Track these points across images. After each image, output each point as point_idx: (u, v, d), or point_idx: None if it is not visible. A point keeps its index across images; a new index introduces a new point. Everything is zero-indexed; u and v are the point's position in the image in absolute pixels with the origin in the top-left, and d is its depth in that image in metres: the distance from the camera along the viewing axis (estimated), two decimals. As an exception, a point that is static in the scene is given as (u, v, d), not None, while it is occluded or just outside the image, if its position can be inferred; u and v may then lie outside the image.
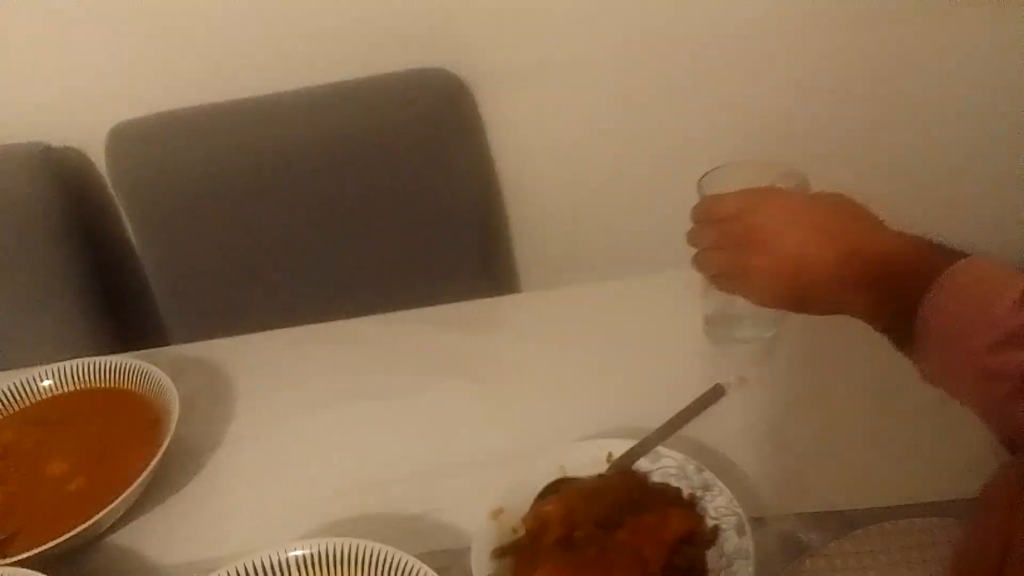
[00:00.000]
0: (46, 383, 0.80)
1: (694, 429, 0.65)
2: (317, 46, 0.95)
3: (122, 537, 0.71)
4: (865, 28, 1.03)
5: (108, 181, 0.97)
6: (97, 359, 0.79)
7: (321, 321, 0.89)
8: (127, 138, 0.95)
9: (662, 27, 1.01)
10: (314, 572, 0.58)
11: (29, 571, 0.60)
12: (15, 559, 0.61)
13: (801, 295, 0.54)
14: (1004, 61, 1.05)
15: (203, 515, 0.72)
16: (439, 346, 0.85)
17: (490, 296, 0.94)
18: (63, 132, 0.98)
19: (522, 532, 0.59)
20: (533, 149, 1.07)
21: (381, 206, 0.96)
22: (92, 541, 0.69)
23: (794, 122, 1.06)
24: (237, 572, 0.58)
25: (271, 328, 0.90)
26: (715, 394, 0.65)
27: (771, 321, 0.79)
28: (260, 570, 0.58)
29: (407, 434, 0.75)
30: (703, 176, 0.72)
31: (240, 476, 0.76)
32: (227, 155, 0.95)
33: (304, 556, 0.59)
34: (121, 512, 0.70)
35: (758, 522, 0.59)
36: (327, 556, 0.58)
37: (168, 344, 0.94)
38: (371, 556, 0.57)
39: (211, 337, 0.91)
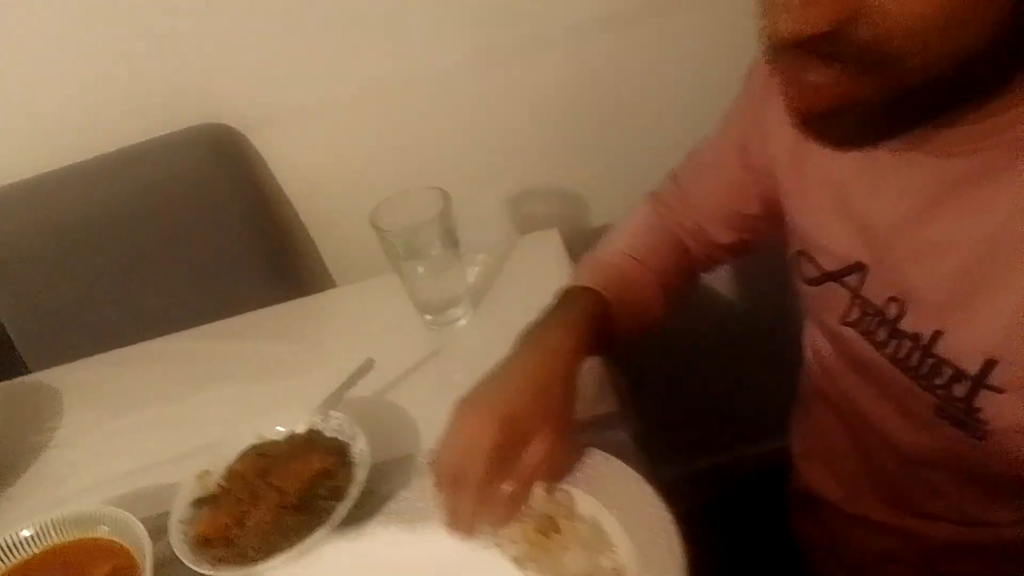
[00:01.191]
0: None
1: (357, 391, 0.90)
2: (99, 117, 1.16)
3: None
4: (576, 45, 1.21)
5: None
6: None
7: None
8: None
9: (395, 69, 1.21)
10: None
11: None
12: None
13: None
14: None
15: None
16: (205, 353, 1.10)
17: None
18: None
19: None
20: (318, 177, 1.28)
21: (178, 246, 1.19)
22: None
23: (531, 140, 1.27)
24: None
25: (101, 351, 1.16)
26: (367, 366, 0.88)
27: (467, 306, 1.04)
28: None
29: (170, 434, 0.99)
30: (373, 210, 0.95)
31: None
32: (43, 220, 1.19)
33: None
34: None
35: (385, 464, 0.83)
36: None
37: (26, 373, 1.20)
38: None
39: (57, 364, 1.17)
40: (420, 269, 0.98)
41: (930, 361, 0.58)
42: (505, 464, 0.72)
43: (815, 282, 0.71)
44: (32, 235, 1.18)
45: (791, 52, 0.47)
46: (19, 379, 1.18)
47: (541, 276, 1.08)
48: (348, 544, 0.77)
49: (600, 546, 0.72)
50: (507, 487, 0.72)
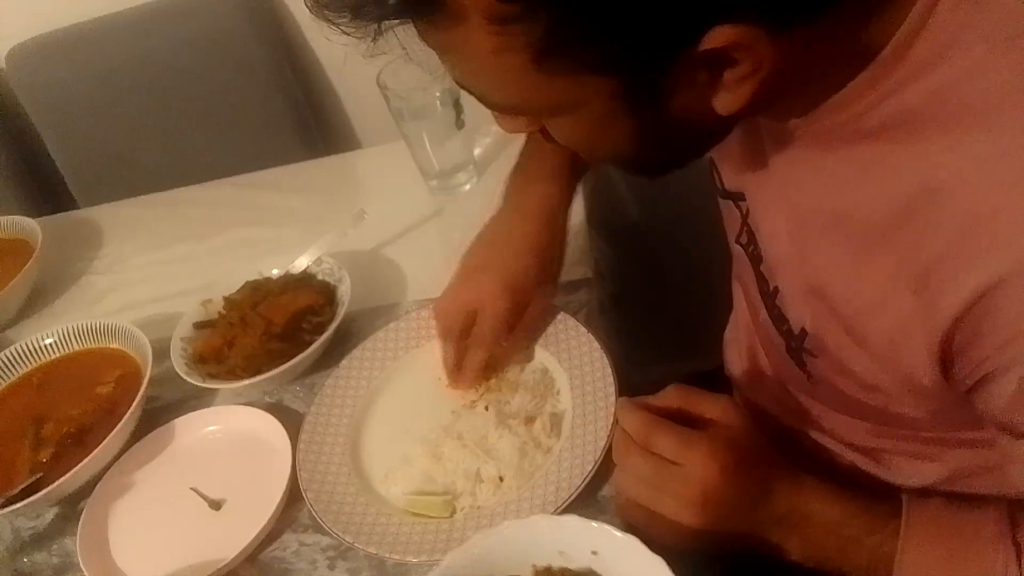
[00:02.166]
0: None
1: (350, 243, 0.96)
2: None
3: (17, 333, 1.08)
4: None
5: (14, 89, 1.31)
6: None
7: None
8: (26, 54, 1.27)
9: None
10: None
11: None
12: None
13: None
14: None
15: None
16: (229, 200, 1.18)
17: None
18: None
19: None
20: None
21: (215, 99, 1.26)
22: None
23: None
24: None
25: (141, 193, 1.25)
26: (358, 216, 0.94)
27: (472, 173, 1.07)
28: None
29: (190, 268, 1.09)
30: (382, 70, 0.98)
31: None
32: (104, 63, 1.26)
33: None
34: (12, 312, 1.07)
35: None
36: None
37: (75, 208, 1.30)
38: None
39: (105, 202, 1.27)
40: (424, 132, 1.01)
41: (776, 310, 0.62)
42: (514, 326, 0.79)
43: (721, 194, 0.71)
44: (83, 80, 1.27)
45: None
46: (67, 213, 1.29)
47: None
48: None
49: (545, 392, 0.78)
50: (507, 346, 0.79)
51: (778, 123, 0.55)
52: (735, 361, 0.84)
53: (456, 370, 0.79)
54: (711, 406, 0.59)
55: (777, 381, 0.72)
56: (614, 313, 0.93)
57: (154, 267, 1.12)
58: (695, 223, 1.01)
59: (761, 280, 0.64)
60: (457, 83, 0.51)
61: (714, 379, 0.94)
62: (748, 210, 0.64)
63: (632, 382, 0.77)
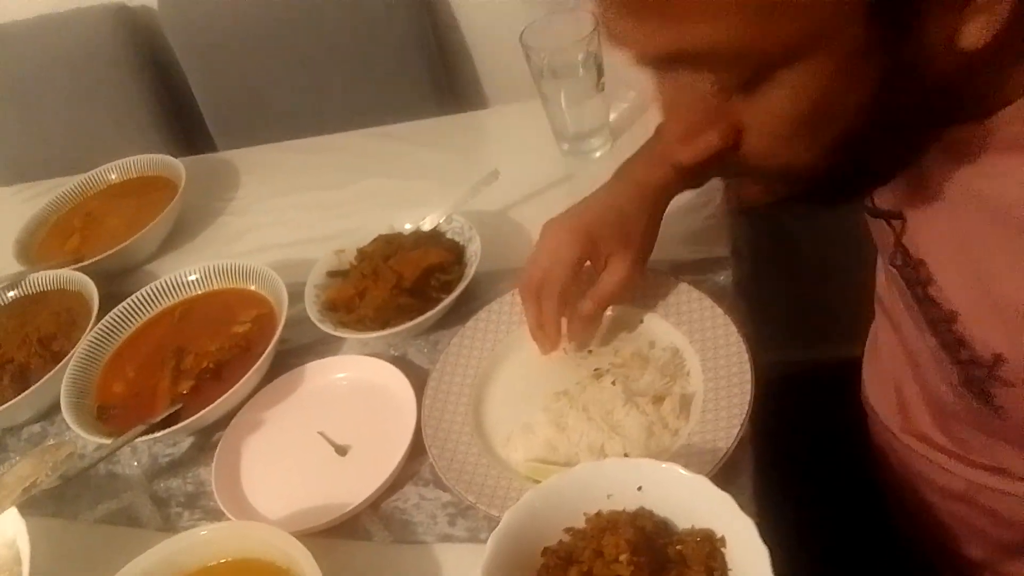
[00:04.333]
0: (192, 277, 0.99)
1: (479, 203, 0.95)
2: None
3: (159, 266, 1.13)
4: None
5: (164, 30, 1.35)
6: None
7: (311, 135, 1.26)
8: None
9: None
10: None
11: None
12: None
13: None
14: None
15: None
16: (365, 151, 1.19)
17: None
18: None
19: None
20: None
21: (356, 52, 1.28)
22: (137, 266, 1.12)
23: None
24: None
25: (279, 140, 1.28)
26: (492, 177, 0.93)
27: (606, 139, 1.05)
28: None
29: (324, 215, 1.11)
30: (527, 27, 0.96)
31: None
32: (251, 8, 1.30)
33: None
34: (155, 246, 1.12)
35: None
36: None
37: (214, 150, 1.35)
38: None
39: (241, 146, 1.31)
40: (562, 93, 0.99)
41: (952, 336, 0.55)
42: (584, 278, 0.77)
43: (871, 212, 0.65)
44: (229, 24, 1.30)
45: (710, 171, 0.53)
46: (208, 155, 1.34)
47: None
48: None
49: (676, 372, 0.76)
50: (584, 305, 0.77)
51: (957, 129, 0.49)
52: (880, 394, 0.80)
53: (538, 328, 0.78)
54: None
55: (941, 416, 0.67)
56: (751, 293, 0.89)
57: (289, 211, 1.15)
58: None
59: (929, 304, 0.58)
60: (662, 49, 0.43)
61: (850, 368, 0.90)
62: (904, 229, 0.59)
63: (766, 364, 0.75)
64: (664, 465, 0.61)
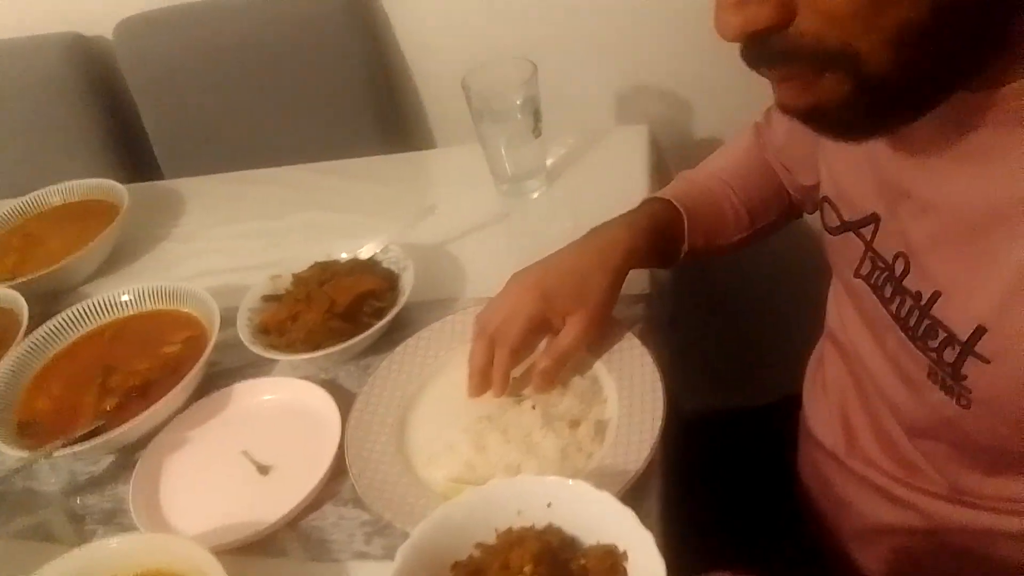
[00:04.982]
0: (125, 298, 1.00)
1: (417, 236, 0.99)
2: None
3: (95, 288, 1.13)
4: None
5: (118, 60, 1.38)
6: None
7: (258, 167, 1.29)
8: (132, 28, 1.34)
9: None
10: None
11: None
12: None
13: None
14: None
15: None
16: (307, 184, 1.23)
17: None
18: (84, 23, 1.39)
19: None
20: (433, 40, 1.34)
21: (306, 87, 1.31)
22: (73, 287, 1.12)
23: (642, 31, 1.27)
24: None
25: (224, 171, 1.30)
26: (428, 210, 0.96)
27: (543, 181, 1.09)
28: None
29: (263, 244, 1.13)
30: (468, 72, 1.01)
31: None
32: (203, 42, 1.33)
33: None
34: (93, 268, 1.13)
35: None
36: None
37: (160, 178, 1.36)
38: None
39: (187, 175, 1.33)
40: (500, 136, 1.04)
41: (927, 322, 0.58)
42: (538, 334, 0.80)
43: (835, 231, 0.70)
44: (181, 56, 1.33)
45: (752, 53, 0.49)
46: (153, 182, 1.35)
47: (621, 168, 1.12)
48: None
49: (593, 399, 0.78)
50: (541, 361, 0.79)
51: (968, 114, 0.50)
52: (825, 423, 0.81)
53: (480, 371, 0.80)
54: None
55: (888, 442, 0.69)
56: (669, 334, 0.93)
57: (229, 240, 1.17)
58: (755, 253, 1.02)
59: (903, 298, 0.60)
60: None
61: (776, 409, 0.93)
62: (876, 231, 0.62)
63: (682, 409, 0.77)
64: (571, 482, 0.63)
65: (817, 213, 0.75)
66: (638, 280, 0.91)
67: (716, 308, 1.32)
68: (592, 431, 0.75)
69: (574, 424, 0.75)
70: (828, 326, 0.82)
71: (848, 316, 0.74)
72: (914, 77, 0.46)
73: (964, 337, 0.54)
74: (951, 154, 0.53)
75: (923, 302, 0.57)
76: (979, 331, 0.53)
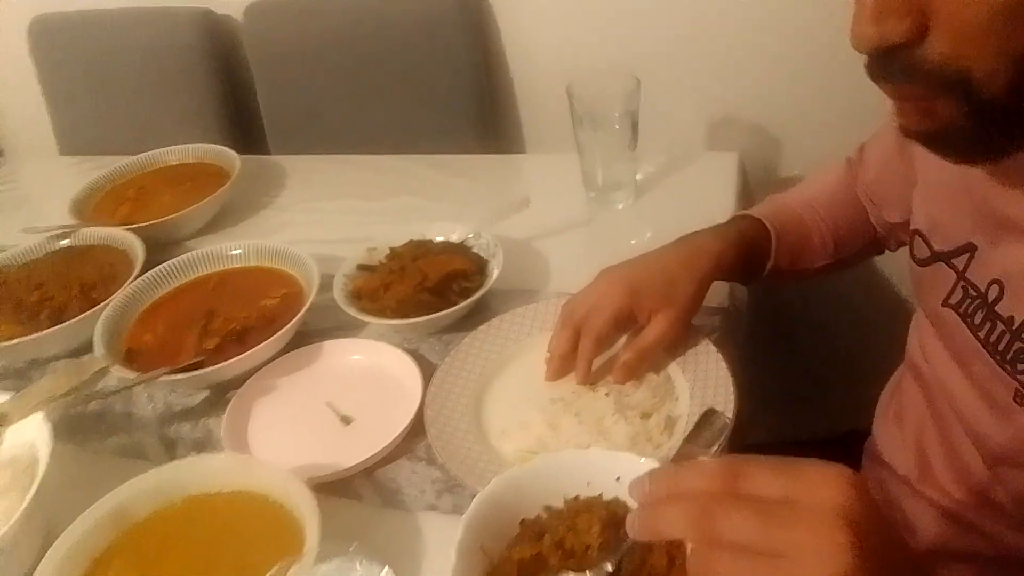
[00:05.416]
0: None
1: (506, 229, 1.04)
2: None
3: (199, 243, 1.21)
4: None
5: (243, 40, 1.48)
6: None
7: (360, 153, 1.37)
8: (261, 10, 1.44)
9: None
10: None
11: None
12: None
13: None
14: None
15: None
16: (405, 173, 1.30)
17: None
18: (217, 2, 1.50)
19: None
20: (540, 49, 1.41)
21: (411, 82, 1.38)
22: (178, 240, 1.20)
23: (743, 63, 1.32)
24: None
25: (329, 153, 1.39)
26: (523, 203, 1.01)
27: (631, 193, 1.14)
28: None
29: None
30: (573, 80, 1.07)
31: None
32: (325, 29, 1.42)
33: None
34: (200, 225, 1.21)
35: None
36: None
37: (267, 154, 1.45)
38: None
39: (292, 153, 1.42)
40: (597, 144, 1.09)
41: (1017, 345, 0.60)
42: (622, 328, 0.84)
43: (925, 262, 0.72)
44: (302, 42, 1.42)
45: (879, 67, 0.51)
46: (261, 156, 1.44)
47: (708, 191, 1.16)
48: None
49: (665, 395, 0.82)
50: (624, 354, 0.83)
51: None
52: (899, 452, 0.83)
53: (562, 356, 0.84)
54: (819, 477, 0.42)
55: (964, 475, 0.71)
56: (742, 352, 0.95)
57: (327, 214, 1.24)
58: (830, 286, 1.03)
59: (995, 323, 0.62)
60: None
61: (829, 449, 0.94)
62: (971, 260, 0.65)
63: (743, 439, 0.79)
64: (642, 460, 0.67)
65: (897, 252, 0.77)
66: (717, 294, 0.94)
67: (786, 337, 1.34)
68: (662, 424, 0.78)
69: (645, 416, 0.79)
70: (909, 357, 0.83)
71: (931, 346, 0.76)
72: None
73: None
74: None
75: (1015, 325, 0.60)
76: None
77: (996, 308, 0.63)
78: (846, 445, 0.92)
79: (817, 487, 0.41)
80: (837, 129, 0.97)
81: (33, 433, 0.78)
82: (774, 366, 1.29)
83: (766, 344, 1.31)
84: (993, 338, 0.63)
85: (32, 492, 0.71)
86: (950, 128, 0.51)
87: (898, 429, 0.84)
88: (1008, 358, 0.61)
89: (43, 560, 0.67)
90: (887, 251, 0.95)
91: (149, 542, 0.71)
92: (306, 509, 0.67)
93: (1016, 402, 0.60)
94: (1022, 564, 0.68)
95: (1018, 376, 0.60)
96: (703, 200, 1.14)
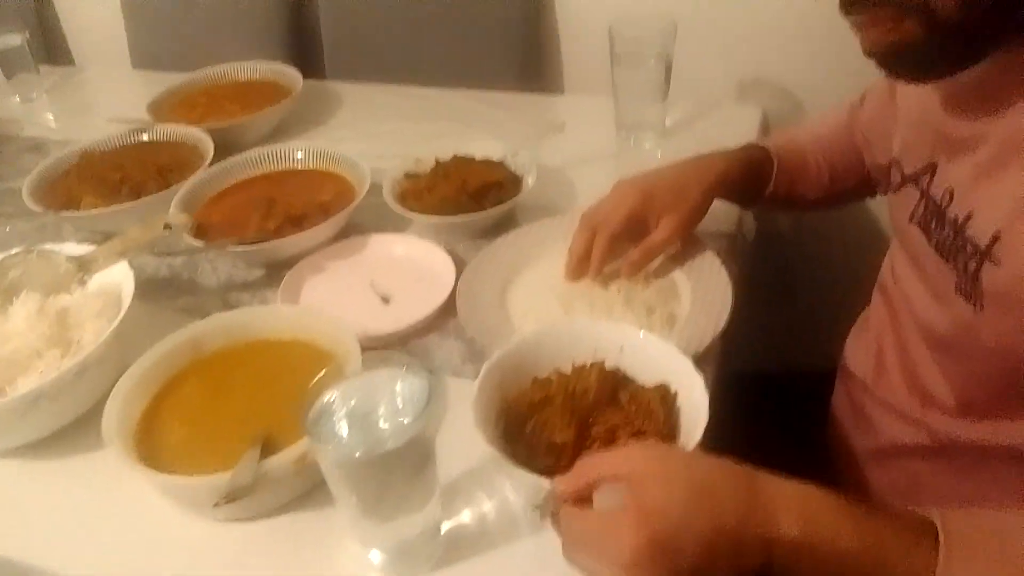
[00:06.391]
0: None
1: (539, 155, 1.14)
2: None
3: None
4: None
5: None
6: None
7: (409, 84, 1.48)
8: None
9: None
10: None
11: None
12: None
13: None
14: None
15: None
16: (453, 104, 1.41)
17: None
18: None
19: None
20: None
21: (462, 17, 1.49)
22: (239, 146, 1.31)
23: (774, 26, 1.40)
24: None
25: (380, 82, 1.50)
26: (559, 126, 1.11)
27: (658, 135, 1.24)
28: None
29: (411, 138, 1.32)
30: (616, 19, 1.16)
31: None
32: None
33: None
34: (261, 133, 1.33)
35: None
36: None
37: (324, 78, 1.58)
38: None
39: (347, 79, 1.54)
40: (633, 84, 1.18)
41: (959, 241, 0.68)
42: (634, 229, 0.94)
43: (898, 187, 0.81)
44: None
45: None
46: (318, 80, 1.55)
47: (728, 141, 1.20)
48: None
49: (668, 296, 0.92)
50: (633, 254, 0.94)
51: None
52: (862, 359, 0.93)
53: (579, 256, 0.93)
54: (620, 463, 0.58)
55: (912, 376, 0.81)
56: (742, 275, 1.05)
57: (376, 134, 1.35)
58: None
59: (944, 224, 0.71)
60: None
61: (810, 381, 1.04)
62: (932, 179, 0.74)
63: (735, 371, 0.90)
64: (643, 333, 0.77)
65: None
66: (727, 219, 1.04)
67: (777, 276, 1.43)
68: (664, 319, 0.89)
69: (650, 311, 0.89)
70: (880, 280, 0.93)
71: (899, 265, 0.86)
72: (979, 23, 0.60)
73: (983, 245, 0.65)
74: (1008, 91, 0.65)
75: (959, 223, 0.69)
76: (995, 237, 0.64)
77: (946, 211, 0.72)
78: (828, 381, 1.03)
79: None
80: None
81: (119, 276, 0.91)
82: (770, 299, 1.39)
83: (764, 280, 1.41)
84: (942, 238, 0.72)
85: (119, 318, 0.84)
86: (911, 45, 0.62)
87: (863, 338, 0.94)
88: (952, 253, 0.70)
89: (125, 374, 0.79)
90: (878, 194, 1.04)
91: (217, 371, 0.84)
92: (351, 358, 0.79)
93: (956, 292, 0.70)
94: (961, 452, 0.78)
95: (958, 268, 0.69)
96: (724, 148, 1.24)
